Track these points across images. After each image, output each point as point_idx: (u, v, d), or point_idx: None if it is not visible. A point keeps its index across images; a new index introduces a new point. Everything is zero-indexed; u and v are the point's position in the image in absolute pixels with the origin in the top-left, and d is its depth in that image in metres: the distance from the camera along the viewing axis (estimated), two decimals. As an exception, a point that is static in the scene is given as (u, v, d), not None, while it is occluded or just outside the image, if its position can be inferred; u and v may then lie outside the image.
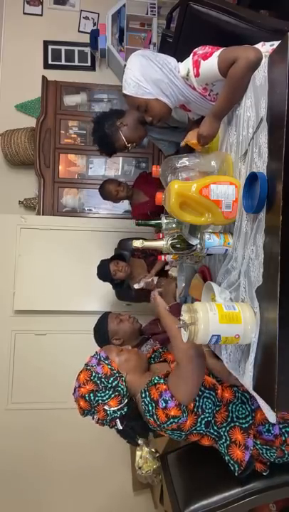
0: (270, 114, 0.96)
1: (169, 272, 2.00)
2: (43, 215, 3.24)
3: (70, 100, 3.46)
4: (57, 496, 2.89)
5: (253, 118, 1.07)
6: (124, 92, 1.44)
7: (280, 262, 0.85)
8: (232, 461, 1.29)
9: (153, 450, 2.11)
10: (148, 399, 1.25)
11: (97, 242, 2.98)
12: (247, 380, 0.97)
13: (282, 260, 0.85)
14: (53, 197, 3.28)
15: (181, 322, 1.01)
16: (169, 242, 1.43)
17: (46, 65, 3.68)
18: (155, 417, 1.23)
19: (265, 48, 1.30)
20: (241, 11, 1.56)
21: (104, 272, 2.39)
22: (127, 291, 2.48)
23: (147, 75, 1.37)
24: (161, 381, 1.26)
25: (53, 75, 3.41)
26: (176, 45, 1.77)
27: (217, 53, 1.22)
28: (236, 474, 1.30)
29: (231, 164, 1.23)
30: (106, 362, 1.39)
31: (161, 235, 1.57)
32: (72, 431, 2.68)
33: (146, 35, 3.53)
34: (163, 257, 1.73)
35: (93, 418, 1.39)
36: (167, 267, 2.04)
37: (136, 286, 2.20)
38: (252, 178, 1.01)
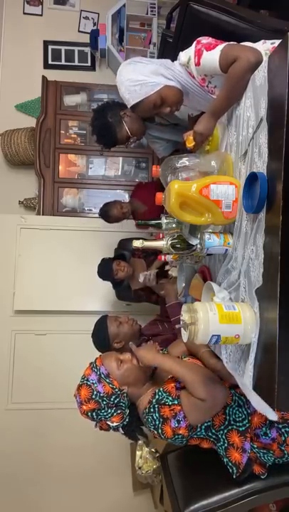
0: (270, 114, 0.96)
1: (169, 272, 2.00)
2: (43, 215, 3.24)
3: (70, 100, 3.46)
4: (57, 496, 2.88)
5: (253, 118, 1.07)
6: (133, 102, 1.43)
7: (280, 262, 0.85)
8: (230, 464, 1.30)
9: (153, 450, 2.11)
10: (157, 414, 1.25)
11: (97, 242, 2.98)
12: (247, 380, 0.97)
13: (282, 260, 0.85)
14: (53, 197, 3.28)
15: (181, 322, 1.00)
16: (169, 242, 1.43)
17: (46, 65, 3.69)
18: (160, 431, 1.24)
19: (266, 45, 1.30)
20: (241, 11, 1.57)
21: (106, 270, 2.39)
22: (127, 291, 2.48)
23: (143, 72, 1.39)
24: (176, 402, 1.25)
25: (53, 75, 3.41)
26: (176, 45, 1.77)
27: (220, 47, 1.22)
28: (234, 477, 1.30)
29: (231, 164, 1.23)
30: (107, 380, 1.34)
31: (161, 235, 1.56)
32: (72, 431, 2.68)
33: (146, 35, 3.54)
34: (163, 257, 1.73)
35: (96, 426, 1.39)
36: (167, 267, 2.03)
37: (136, 286, 2.21)
38: (252, 178, 1.01)
